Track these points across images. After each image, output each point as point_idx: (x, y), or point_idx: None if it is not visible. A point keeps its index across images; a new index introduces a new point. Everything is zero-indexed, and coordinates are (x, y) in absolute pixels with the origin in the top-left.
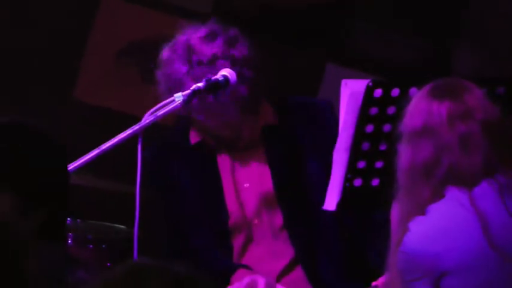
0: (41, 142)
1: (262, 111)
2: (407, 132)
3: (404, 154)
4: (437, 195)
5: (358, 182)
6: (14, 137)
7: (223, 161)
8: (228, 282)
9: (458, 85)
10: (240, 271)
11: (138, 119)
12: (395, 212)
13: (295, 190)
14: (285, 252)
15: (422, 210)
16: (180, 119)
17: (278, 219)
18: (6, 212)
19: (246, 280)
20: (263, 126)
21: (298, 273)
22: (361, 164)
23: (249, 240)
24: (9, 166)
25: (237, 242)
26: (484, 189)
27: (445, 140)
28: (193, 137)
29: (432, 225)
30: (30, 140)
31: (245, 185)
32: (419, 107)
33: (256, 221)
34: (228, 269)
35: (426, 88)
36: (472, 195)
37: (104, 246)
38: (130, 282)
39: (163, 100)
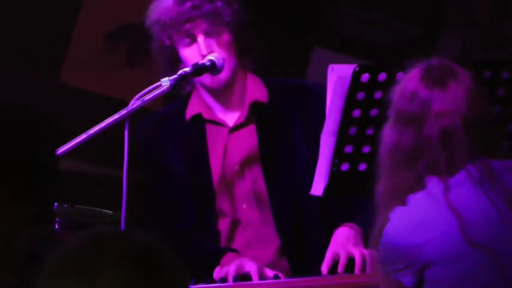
0: (40, 130)
1: (252, 85)
2: (394, 113)
3: (389, 135)
4: (418, 185)
5: (345, 167)
6: (13, 126)
7: (216, 142)
8: (217, 265)
9: (449, 72)
10: (229, 255)
11: (125, 103)
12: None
13: (284, 174)
14: (273, 239)
15: (402, 199)
16: (176, 97)
17: (266, 202)
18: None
19: (233, 265)
20: (252, 101)
21: (285, 262)
22: (348, 149)
23: (236, 225)
24: (8, 160)
25: (224, 226)
26: (462, 180)
27: (427, 132)
28: (190, 113)
29: (412, 216)
30: (28, 130)
31: (235, 168)
32: (410, 90)
33: (244, 206)
34: (217, 252)
35: (419, 70)
36: (448, 186)
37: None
38: (90, 253)
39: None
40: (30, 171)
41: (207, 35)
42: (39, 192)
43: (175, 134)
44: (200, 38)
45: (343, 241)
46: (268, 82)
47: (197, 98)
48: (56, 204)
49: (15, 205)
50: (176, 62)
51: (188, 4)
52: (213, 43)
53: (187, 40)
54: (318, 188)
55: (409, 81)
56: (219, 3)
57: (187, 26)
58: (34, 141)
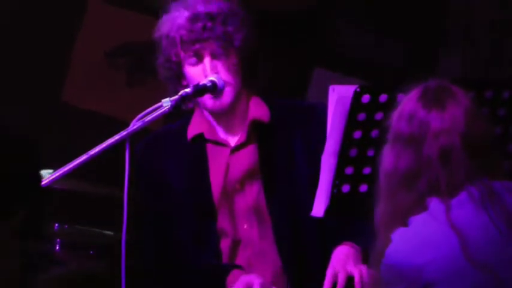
0: (13, 144)
1: (254, 105)
2: (393, 135)
3: (388, 157)
4: (419, 206)
5: (346, 188)
6: None
7: (217, 161)
8: (222, 283)
9: (446, 92)
10: (234, 272)
11: (127, 123)
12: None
13: (285, 193)
14: (273, 258)
15: (404, 221)
16: (180, 115)
17: (267, 221)
18: None
19: (241, 285)
20: (253, 119)
21: (286, 281)
22: (349, 170)
23: (237, 245)
24: None
25: (225, 245)
26: (463, 201)
27: (426, 152)
28: (191, 132)
29: (414, 237)
30: (3, 144)
31: (237, 186)
32: (408, 111)
33: (245, 226)
34: (221, 270)
35: (417, 91)
36: (449, 207)
37: (91, 252)
38: None
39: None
40: (10, 187)
41: (214, 56)
42: (21, 207)
43: (175, 151)
44: (207, 59)
45: (343, 260)
46: (269, 101)
47: (199, 117)
48: (56, 225)
49: None
50: (180, 77)
51: (200, 24)
52: (218, 65)
53: (194, 59)
54: (318, 209)
55: (407, 102)
56: (230, 28)
57: (196, 46)
58: (12, 158)
